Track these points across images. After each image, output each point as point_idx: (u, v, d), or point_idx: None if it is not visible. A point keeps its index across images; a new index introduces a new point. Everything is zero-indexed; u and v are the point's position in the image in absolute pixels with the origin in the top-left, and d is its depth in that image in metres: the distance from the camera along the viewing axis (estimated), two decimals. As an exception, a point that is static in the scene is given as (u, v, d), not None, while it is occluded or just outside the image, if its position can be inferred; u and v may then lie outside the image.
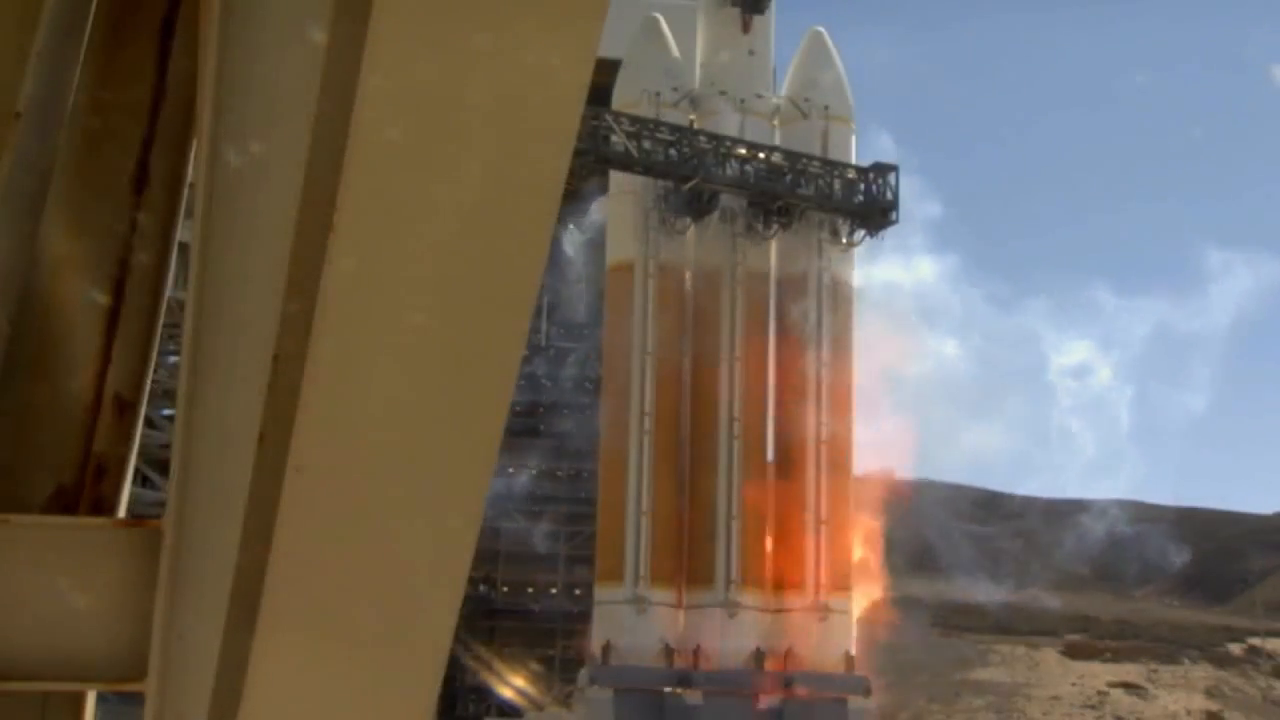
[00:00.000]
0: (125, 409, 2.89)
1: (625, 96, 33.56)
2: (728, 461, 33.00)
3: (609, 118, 31.51)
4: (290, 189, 1.83)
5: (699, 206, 32.82)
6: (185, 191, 2.89)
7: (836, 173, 34.09)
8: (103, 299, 2.85)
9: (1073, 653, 54.64)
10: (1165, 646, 55.26)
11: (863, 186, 34.16)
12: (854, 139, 35.11)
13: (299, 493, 1.97)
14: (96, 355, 2.86)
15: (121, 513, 2.90)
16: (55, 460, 2.84)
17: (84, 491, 2.85)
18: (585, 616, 37.06)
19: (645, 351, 33.00)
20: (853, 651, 33.05)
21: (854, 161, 34.70)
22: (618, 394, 33.26)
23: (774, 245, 34.11)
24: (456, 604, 2.18)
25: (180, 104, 2.82)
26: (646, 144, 32.33)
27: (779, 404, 33.86)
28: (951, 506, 63.95)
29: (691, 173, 32.16)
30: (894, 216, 34.20)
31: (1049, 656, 54.37)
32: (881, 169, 34.33)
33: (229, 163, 2.24)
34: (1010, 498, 70.38)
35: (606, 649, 32.43)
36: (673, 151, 32.39)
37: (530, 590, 43.91)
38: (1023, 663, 53.70)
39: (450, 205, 1.79)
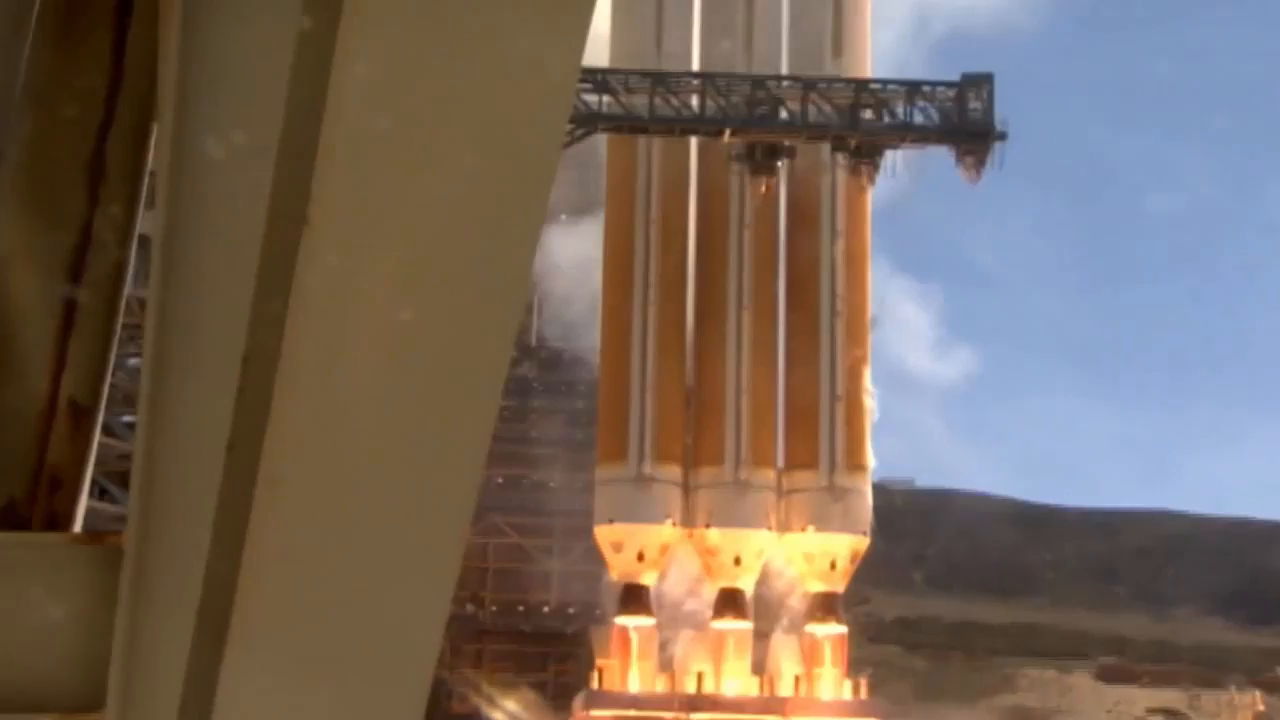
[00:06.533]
0: (81, 416, 2.89)
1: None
2: (736, 333, 32.97)
3: (633, 79, 31.19)
4: (261, 178, 1.83)
5: (769, 162, 31.95)
6: (146, 181, 2.90)
7: (923, 96, 31.90)
8: (57, 296, 2.86)
9: (1108, 676, 54.64)
10: (1208, 670, 55.26)
11: (954, 105, 31.63)
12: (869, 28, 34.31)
13: (271, 505, 1.98)
14: (50, 358, 2.86)
15: (77, 528, 2.90)
16: (5, 472, 2.84)
17: (36, 505, 2.85)
18: (580, 638, 37.06)
19: (649, 220, 32.94)
20: (867, 532, 33.00)
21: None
22: (620, 262, 33.21)
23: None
24: (442, 623, 2.19)
25: (140, 87, 2.82)
26: (700, 99, 31.55)
27: (791, 273, 33.73)
28: (982, 519, 63.97)
29: (755, 124, 31.28)
30: (998, 134, 31.51)
31: (1082, 680, 54.37)
32: (974, 82, 31.96)
33: (194, 151, 2.25)
34: (1041, 508, 70.36)
35: (603, 673, 32.44)
36: (720, 101, 31.56)
37: (521, 609, 43.90)
38: (1054, 687, 53.70)
39: (433, 197, 1.80)
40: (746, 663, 32.66)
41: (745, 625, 32.72)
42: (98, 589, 2.60)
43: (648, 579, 32.66)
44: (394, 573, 2.11)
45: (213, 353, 2.15)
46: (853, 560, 32.92)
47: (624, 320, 33.02)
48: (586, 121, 30.34)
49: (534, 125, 1.77)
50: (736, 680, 32.54)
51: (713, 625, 32.66)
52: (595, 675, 33.05)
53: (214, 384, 2.06)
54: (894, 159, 32.43)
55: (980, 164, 31.72)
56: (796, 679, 32.50)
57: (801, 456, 33.02)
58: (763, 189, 32.64)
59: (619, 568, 32.70)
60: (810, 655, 32.85)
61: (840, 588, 33.05)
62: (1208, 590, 62.04)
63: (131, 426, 2.70)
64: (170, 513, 2.43)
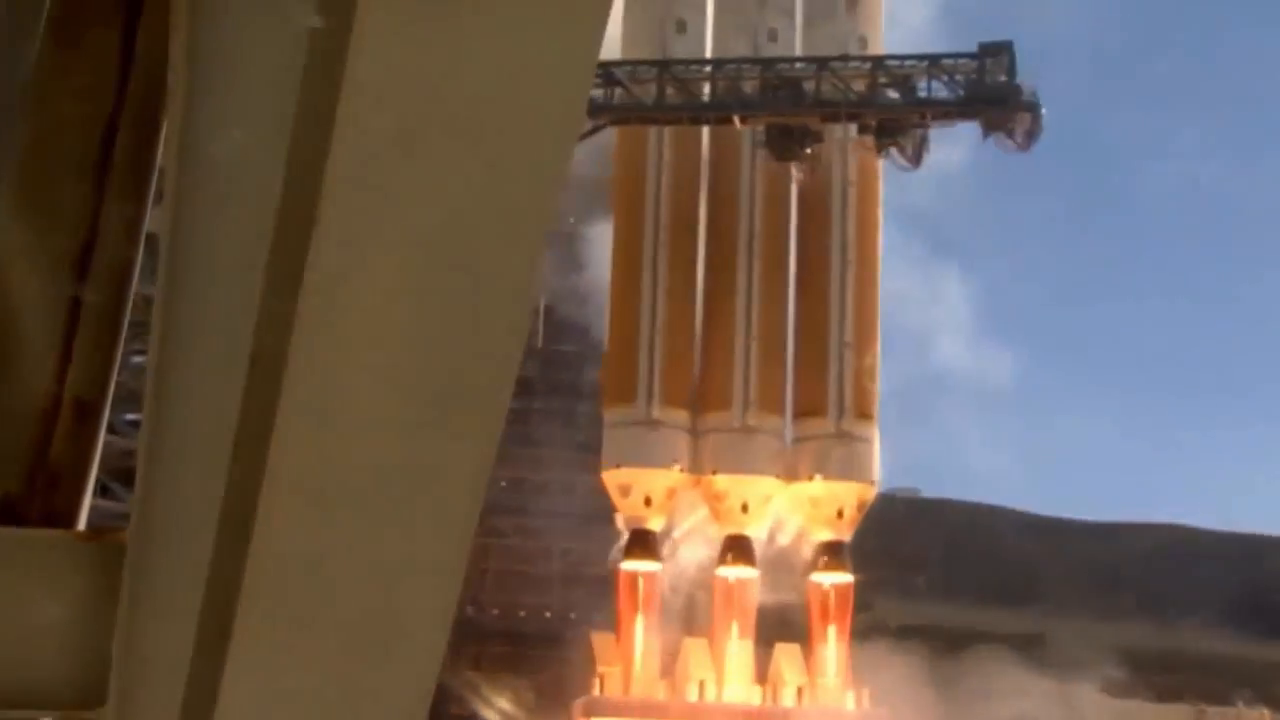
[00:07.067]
0: (86, 413, 2.90)
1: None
2: (746, 277, 33.04)
3: (655, 69, 31.17)
4: (271, 177, 1.84)
5: (793, 148, 31.85)
6: (154, 178, 2.91)
7: (942, 69, 31.39)
8: (63, 293, 2.86)
9: (1112, 689, 54.52)
10: (1215, 682, 55.12)
11: (975, 77, 31.00)
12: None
13: (276, 504, 1.99)
14: (56, 354, 2.87)
15: (81, 525, 2.91)
16: (5, 467, 2.84)
17: (34, 501, 2.85)
18: (581, 642, 37.04)
19: (660, 170, 33.04)
20: (874, 481, 32.99)
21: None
22: (632, 202, 33.31)
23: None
24: (447, 625, 2.20)
25: (148, 84, 2.83)
26: (721, 85, 31.60)
27: (802, 218, 33.78)
28: (986, 528, 63.94)
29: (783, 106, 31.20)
30: (1027, 104, 30.93)
31: (1086, 692, 54.25)
32: (993, 50, 31.32)
33: (203, 148, 2.25)
34: (1046, 518, 70.33)
35: (603, 678, 32.44)
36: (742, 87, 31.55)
37: (521, 613, 43.88)
38: (1057, 697, 53.59)
39: (444, 197, 1.80)
40: (748, 636, 32.68)
41: (752, 572, 32.74)
42: (99, 586, 2.60)
43: (654, 524, 32.73)
44: (399, 573, 2.11)
45: (219, 351, 2.16)
46: (859, 508, 32.88)
47: (634, 263, 33.08)
48: (592, 114, 30.27)
49: (547, 126, 1.78)
50: (739, 685, 32.54)
51: (718, 572, 32.66)
52: (596, 681, 33.03)
53: (220, 383, 2.07)
54: (919, 137, 32.21)
55: (1030, 133, 30.92)
56: (799, 689, 32.48)
57: (809, 403, 33.08)
58: (799, 176, 32.48)
59: (626, 511, 32.77)
60: (817, 621, 32.76)
61: (846, 536, 33.02)
62: (1215, 603, 61.95)
63: (136, 425, 2.70)
64: (174, 511, 2.44)
